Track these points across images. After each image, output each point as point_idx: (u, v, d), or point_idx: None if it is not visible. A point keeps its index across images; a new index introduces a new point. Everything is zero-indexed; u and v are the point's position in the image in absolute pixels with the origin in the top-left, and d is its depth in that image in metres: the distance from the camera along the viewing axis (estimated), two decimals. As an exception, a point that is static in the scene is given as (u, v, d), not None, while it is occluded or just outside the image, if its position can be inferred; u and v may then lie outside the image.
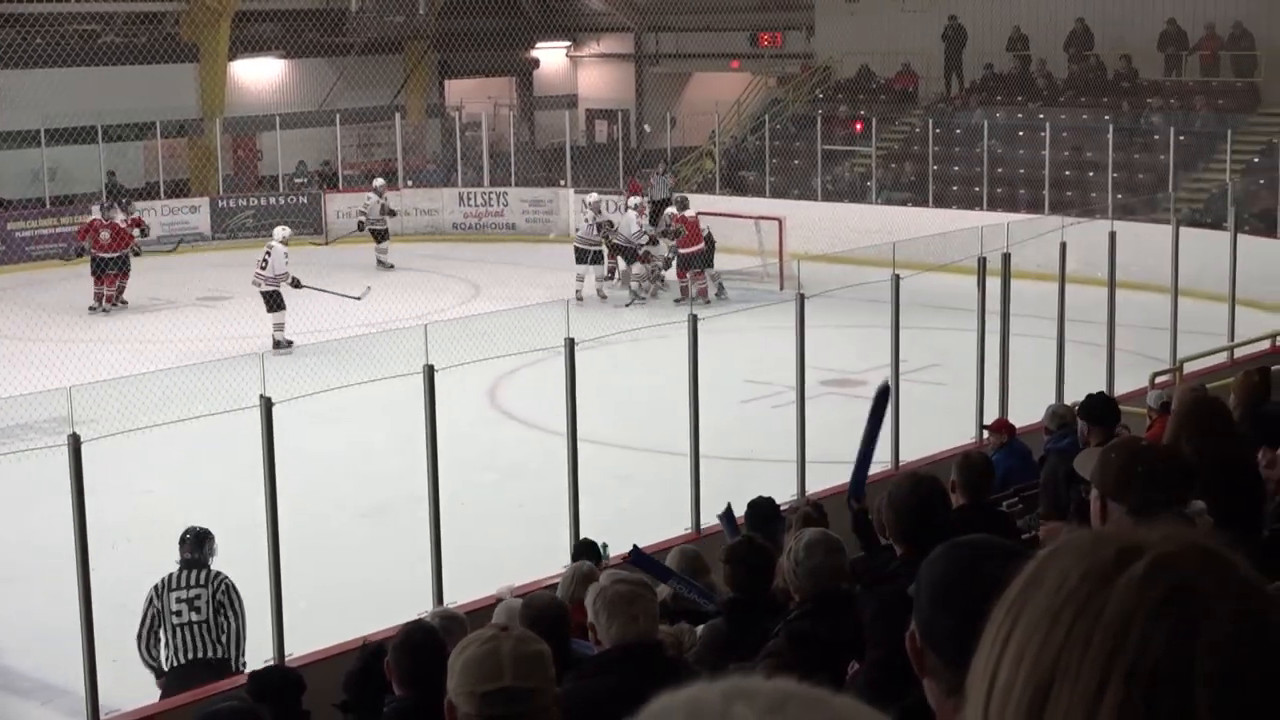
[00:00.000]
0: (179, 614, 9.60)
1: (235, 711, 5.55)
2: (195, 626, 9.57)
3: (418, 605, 9.35)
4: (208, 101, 34.68)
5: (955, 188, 30.41)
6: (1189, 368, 15.10)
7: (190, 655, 9.54)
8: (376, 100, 36.33)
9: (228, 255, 30.65)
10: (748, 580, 6.52)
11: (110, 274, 25.43)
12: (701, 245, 24.93)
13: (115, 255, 25.49)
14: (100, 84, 31.83)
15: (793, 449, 12.58)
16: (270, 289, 22.17)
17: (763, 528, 8.23)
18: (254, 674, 6.95)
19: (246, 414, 10.13)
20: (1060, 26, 32.13)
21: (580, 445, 11.45)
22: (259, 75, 36.46)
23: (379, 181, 30.42)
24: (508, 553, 12.21)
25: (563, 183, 33.38)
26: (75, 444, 9.10)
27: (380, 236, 29.35)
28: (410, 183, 33.91)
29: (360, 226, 29.47)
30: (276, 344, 21.33)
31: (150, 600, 9.69)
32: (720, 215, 27.14)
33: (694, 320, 12.22)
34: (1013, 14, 32.77)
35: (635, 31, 42.33)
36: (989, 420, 12.26)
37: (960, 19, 33.18)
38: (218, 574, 9.79)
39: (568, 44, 43.33)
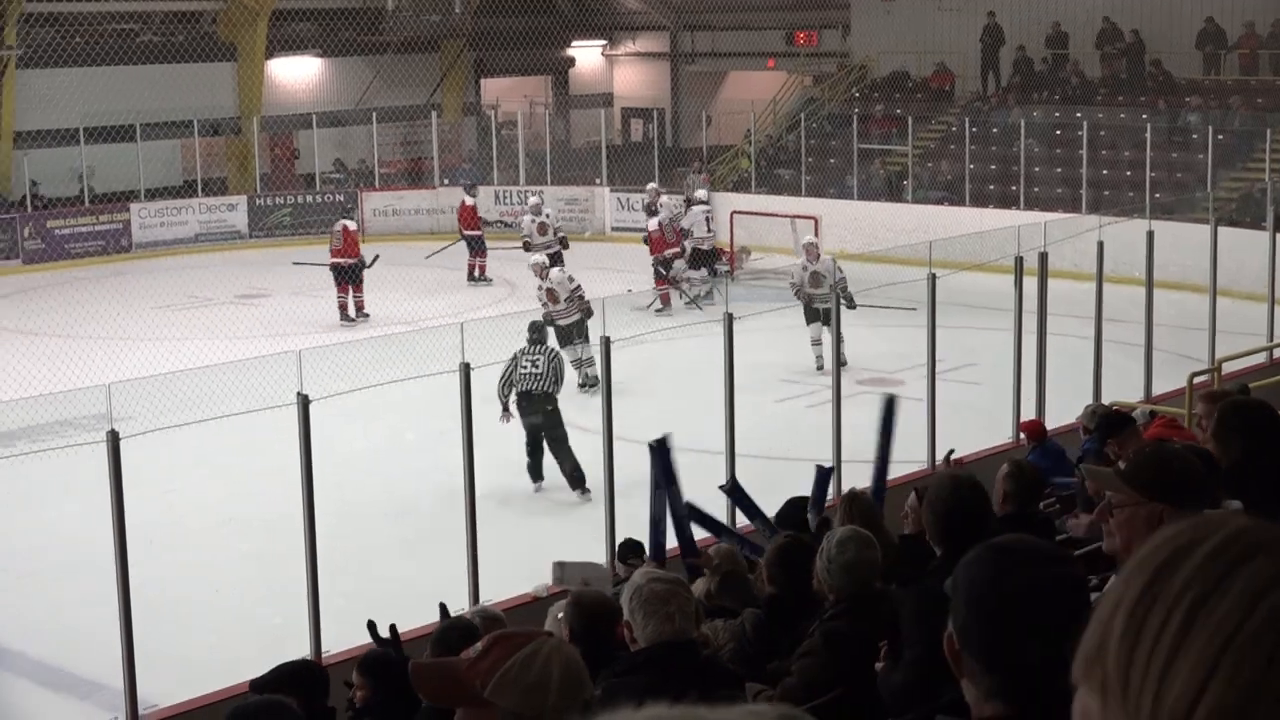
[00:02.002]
0: (525, 369, 15.07)
1: (267, 703, 5.57)
2: (533, 377, 15.07)
3: (454, 603, 9.36)
4: (245, 100, 34.82)
5: (992, 187, 30.32)
6: (1227, 368, 15.00)
7: (526, 388, 15.06)
8: (413, 99, 36.40)
9: (265, 253, 30.79)
10: (787, 578, 6.51)
11: (345, 282, 24.43)
12: (677, 250, 24.88)
13: (353, 262, 24.44)
14: (138, 83, 32.00)
15: (828, 448, 12.56)
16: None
17: (799, 527, 8.22)
18: (277, 669, 6.95)
19: (283, 411, 10.18)
20: (1099, 24, 32.00)
21: (616, 444, 11.46)
22: (296, 74, 36.58)
23: (534, 200, 27.79)
24: (543, 551, 12.22)
25: (598, 181, 33.40)
26: (114, 440, 9.14)
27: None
28: (445, 181, 33.96)
29: (526, 247, 25.32)
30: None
31: (514, 359, 15.07)
32: (756, 214, 27.11)
33: (729, 319, 12.21)
34: (1052, 11, 32.64)
35: (671, 30, 42.32)
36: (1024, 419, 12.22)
37: (998, 17, 33.06)
38: (551, 348, 15.81)
39: (603, 43, 43.35)
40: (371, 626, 7.07)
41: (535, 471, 15.20)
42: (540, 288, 19.21)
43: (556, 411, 15.11)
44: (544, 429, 15.08)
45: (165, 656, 10.49)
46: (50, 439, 14.66)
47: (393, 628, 7.02)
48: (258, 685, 6.77)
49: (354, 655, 9.38)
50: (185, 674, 10.19)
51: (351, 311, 24.22)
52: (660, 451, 8.60)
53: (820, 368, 17.85)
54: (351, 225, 25.23)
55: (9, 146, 31.26)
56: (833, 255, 21.08)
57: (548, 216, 26.31)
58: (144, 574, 9.90)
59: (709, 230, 25.70)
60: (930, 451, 13.20)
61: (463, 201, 28.40)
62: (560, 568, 8.65)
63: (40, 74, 30.81)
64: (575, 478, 14.76)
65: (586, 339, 18.17)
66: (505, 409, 15.09)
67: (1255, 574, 1.16)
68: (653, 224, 25.09)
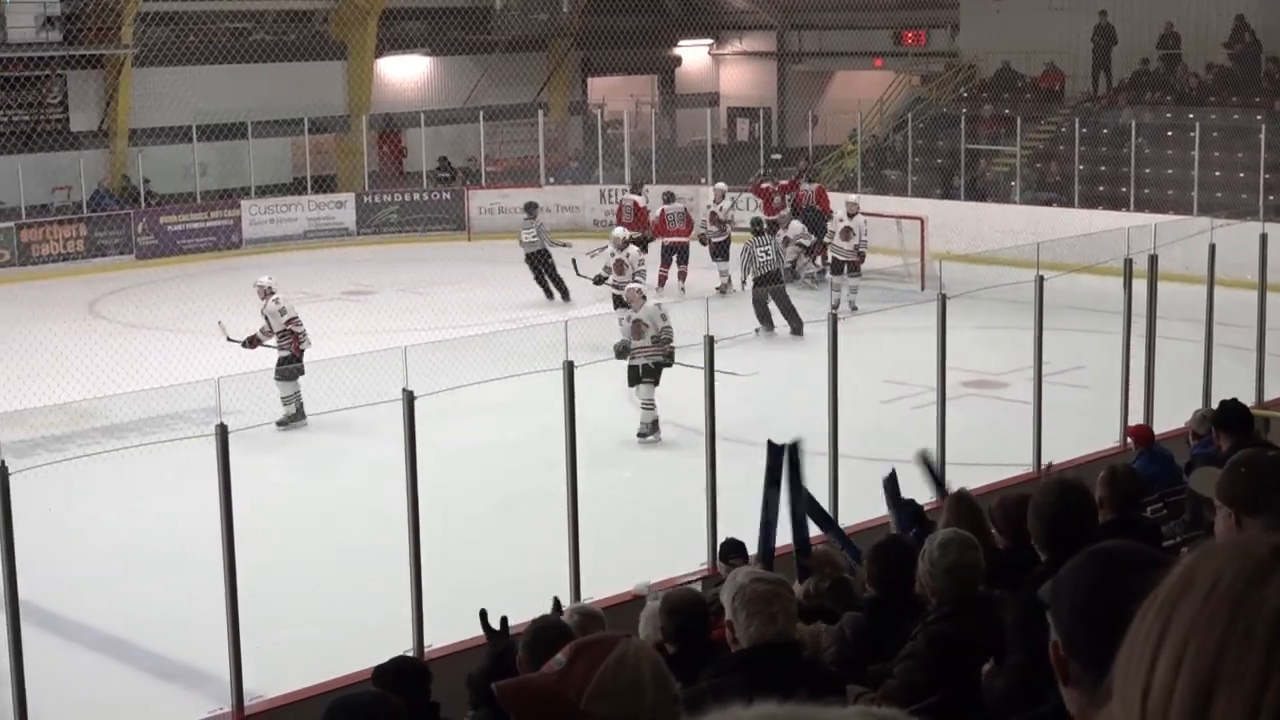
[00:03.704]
0: (761, 258, 22.17)
1: (368, 697, 5.62)
2: (769, 262, 22.17)
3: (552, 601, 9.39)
4: (355, 98, 35.15)
5: (1101, 188, 29.97)
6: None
7: (765, 271, 21.97)
8: (519, 98, 36.58)
9: (372, 250, 31.08)
10: (889, 580, 6.48)
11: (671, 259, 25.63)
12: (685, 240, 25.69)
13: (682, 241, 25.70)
14: (250, 81, 32.44)
15: (933, 450, 12.47)
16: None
17: (904, 530, 8.16)
18: (377, 668, 7.01)
19: (388, 407, 10.27)
20: (1213, 24, 31.54)
21: (718, 443, 11.45)
22: (405, 72, 36.88)
23: (720, 185, 27.58)
24: (644, 549, 12.25)
25: (703, 181, 33.39)
26: (223, 434, 9.26)
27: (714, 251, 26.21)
28: (552, 180, 34.10)
29: (702, 240, 26.18)
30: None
31: (750, 254, 22.52)
32: (862, 214, 26.94)
33: (834, 320, 12.18)
34: (1165, 11, 32.21)
35: (778, 29, 42.23)
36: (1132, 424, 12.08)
37: (1110, 16, 32.68)
38: (773, 239, 22.96)
39: (710, 42, 43.33)
40: (483, 616, 7.09)
41: (767, 322, 21.81)
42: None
43: (783, 283, 22.08)
44: (775, 297, 21.58)
45: (271, 648, 10.63)
46: (160, 432, 14.88)
47: (503, 620, 7.05)
48: (377, 674, 6.84)
49: (457, 650, 9.47)
50: (290, 666, 10.31)
51: (675, 283, 25.26)
52: (786, 453, 8.49)
53: (642, 434, 16.69)
54: (641, 200, 26.82)
55: (125, 144, 31.77)
56: (938, 257, 20.88)
57: (723, 207, 26.45)
58: (251, 566, 10.02)
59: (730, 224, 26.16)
60: (1036, 455, 13.10)
61: (634, 203, 27.40)
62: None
63: (155, 72, 31.29)
64: (798, 329, 21.38)
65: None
66: (743, 283, 23.08)
67: (1214, 569, 1.24)
68: (661, 210, 26.01)
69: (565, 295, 24.75)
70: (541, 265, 25.25)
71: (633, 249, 21.76)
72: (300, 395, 17.25)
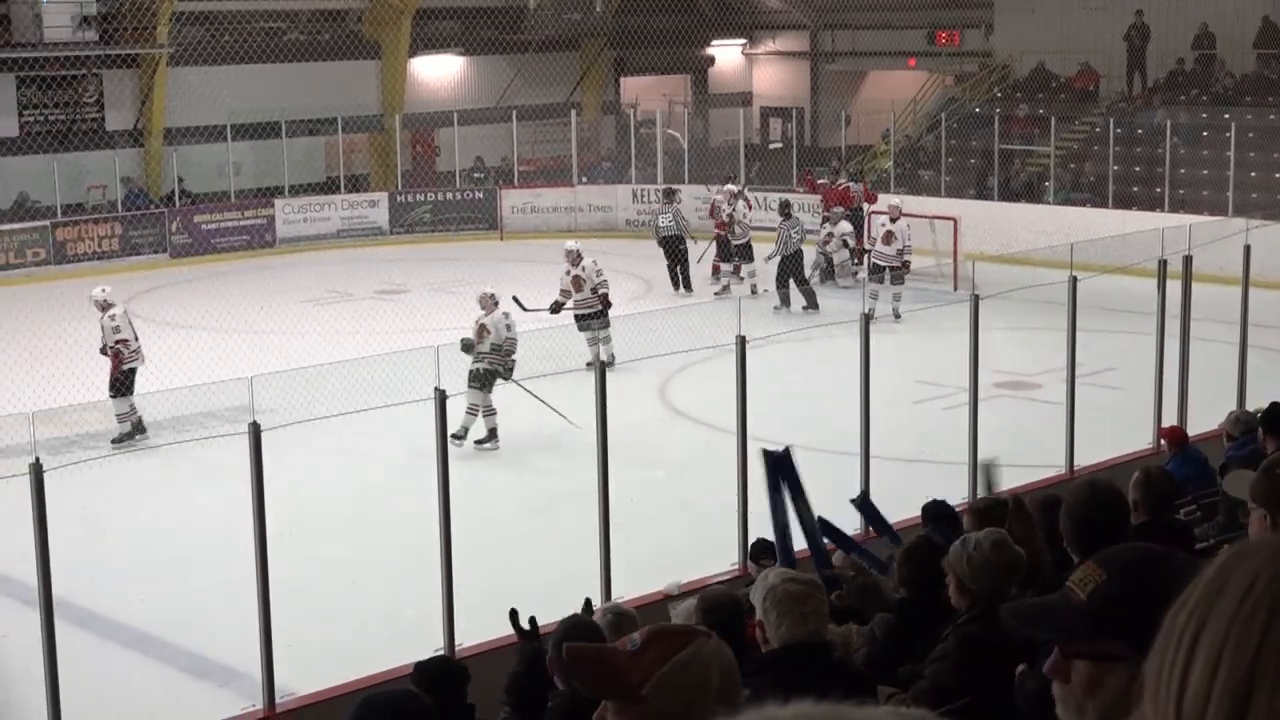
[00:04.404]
0: (795, 237, 23.36)
1: (398, 695, 5.63)
2: (799, 241, 23.41)
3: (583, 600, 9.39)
4: (388, 98, 35.24)
5: (1136, 189, 29.83)
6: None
7: (789, 252, 23.50)
8: (552, 97, 36.62)
9: (405, 250, 31.15)
10: (920, 581, 6.45)
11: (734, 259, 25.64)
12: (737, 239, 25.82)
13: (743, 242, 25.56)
14: (284, 80, 32.57)
15: (964, 451, 12.45)
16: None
17: (950, 525, 8.14)
18: (419, 664, 7.02)
19: (419, 406, 10.28)
20: (1249, 24, 31.38)
21: (750, 443, 11.44)
22: (438, 72, 36.94)
23: (730, 186, 27.17)
24: (676, 550, 12.24)
25: (736, 180, 33.37)
26: (256, 432, 9.28)
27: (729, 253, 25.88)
28: (584, 180, 34.13)
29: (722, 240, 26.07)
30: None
31: (785, 235, 23.50)
32: (905, 218, 26.89)
33: (866, 320, 12.16)
34: (1200, 11, 32.05)
35: (811, 29, 42.16)
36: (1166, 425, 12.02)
37: (1145, 16, 32.54)
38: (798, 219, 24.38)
39: (743, 42, 43.29)
40: (513, 616, 7.10)
41: (784, 295, 23.43)
42: (567, 273, 20.09)
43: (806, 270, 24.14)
44: (795, 274, 23.39)
45: (302, 646, 10.65)
46: (194, 430, 14.96)
47: (532, 620, 7.06)
48: (417, 670, 6.86)
49: (488, 649, 9.48)
50: (322, 664, 10.33)
51: (724, 278, 25.47)
52: (778, 461, 8.40)
53: (456, 437, 15.51)
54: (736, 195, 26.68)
55: (159, 144, 31.92)
56: (971, 257, 20.80)
57: (738, 208, 26.10)
58: (283, 564, 10.05)
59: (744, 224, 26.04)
60: (1068, 457, 13.05)
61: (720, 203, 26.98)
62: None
63: (190, 71, 31.43)
64: (814, 302, 23.30)
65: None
66: (776, 255, 23.73)
67: (1249, 569, 1.22)
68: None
69: (688, 286, 24.99)
70: (674, 253, 25.33)
71: (587, 262, 20.36)
72: (136, 410, 16.93)
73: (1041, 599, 2.37)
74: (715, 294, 24.78)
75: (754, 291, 24.32)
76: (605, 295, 20.09)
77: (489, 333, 16.77)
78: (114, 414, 16.95)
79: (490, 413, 16.60)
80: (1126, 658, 1.97)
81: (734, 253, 25.56)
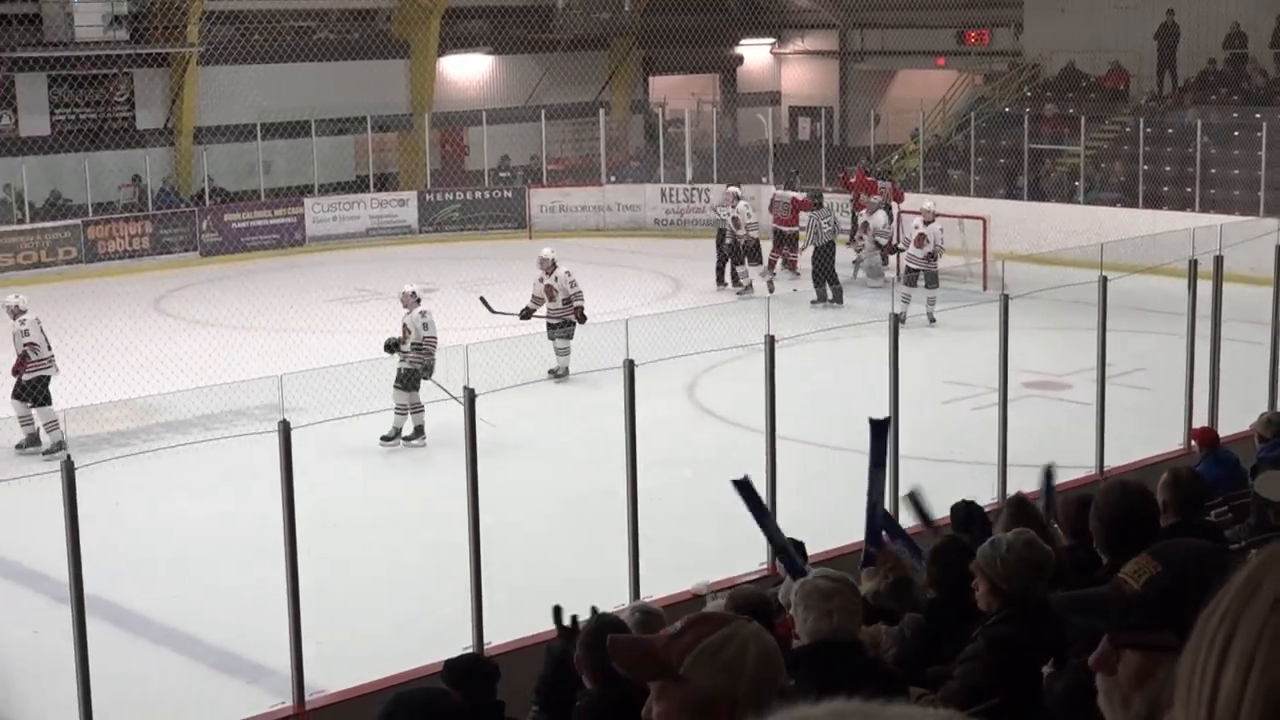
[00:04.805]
0: (825, 228, 24.06)
1: (429, 692, 5.65)
2: (831, 231, 23.78)
3: (614, 599, 9.41)
4: (417, 97, 35.31)
5: (1166, 188, 29.70)
6: None
7: (829, 239, 24.23)
8: (581, 96, 36.64)
9: (434, 248, 31.21)
10: (949, 582, 6.44)
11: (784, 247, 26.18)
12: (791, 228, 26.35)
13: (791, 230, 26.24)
14: (314, 79, 32.67)
15: (993, 451, 12.42)
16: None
17: (964, 532, 8.12)
18: (449, 661, 7.04)
19: (447, 404, 10.30)
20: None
21: (778, 443, 11.43)
22: (467, 71, 37.00)
23: (733, 189, 26.95)
24: (703, 549, 12.24)
25: (765, 179, 33.34)
26: (285, 430, 9.31)
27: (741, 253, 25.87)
28: (613, 179, 34.14)
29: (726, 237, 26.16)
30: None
31: (815, 226, 24.36)
32: (938, 221, 26.86)
33: (895, 320, 12.14)
34: (1231, 11, 31.92)
35: (840, 28, 42.12)
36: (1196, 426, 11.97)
37: (1176, 15, 32.42)
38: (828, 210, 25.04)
39: (772, 41, 43.27)
40: (557, 612, 7.09)
41: (822, 292, 23.94)
42: (539, 280, 19.88)
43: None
44: (824, 265, 23.88)
45: (332, 643, 10.68)
46: (223, 428, 15.01)
47: (574, 618, 7.06)
48: (447, 667, 6.87)
49: (516, 648, 9.49)
50: (351, 661, 10.36)
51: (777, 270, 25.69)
52: (746, 488, 8.19)
53: (386, 438, 16.43)
54: (800, 196, 26.96)
55: (189, 142, 32.05)
56: (1000, 257, 20.74)
57: (741, 209, 25.92)
58: (313, 562, 10.08)
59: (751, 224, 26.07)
60: (1098, 457, 13.01)
61: (792, 199, 26.94)
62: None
63: (220, 70, 31.55)
64: (840, 298, 23.78)
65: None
66: (809, 245, 24.72)
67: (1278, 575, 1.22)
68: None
69: (839, 298, 24.34)
70: (824, 260, 24.90)
71: (561, 271, 19.94)
72: (58, 425, 16.39)
73: (1094, 590, 2.38)
74: (738, 294, 24.79)
75: (771, 289, 24.35)
76: (580, 309, 19.62)
77: (409, 332, 16.87)
78: (15, 417, 16.65)
79: (418, 410, 16.58)
80: (1178, 649, 1.97)
81: (744, 255, 25.57)
